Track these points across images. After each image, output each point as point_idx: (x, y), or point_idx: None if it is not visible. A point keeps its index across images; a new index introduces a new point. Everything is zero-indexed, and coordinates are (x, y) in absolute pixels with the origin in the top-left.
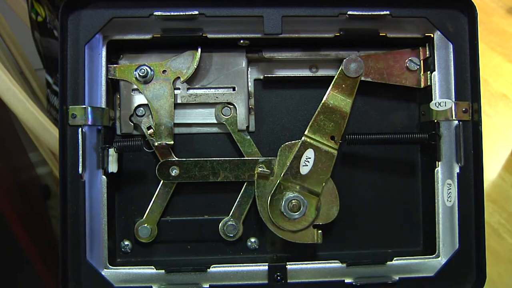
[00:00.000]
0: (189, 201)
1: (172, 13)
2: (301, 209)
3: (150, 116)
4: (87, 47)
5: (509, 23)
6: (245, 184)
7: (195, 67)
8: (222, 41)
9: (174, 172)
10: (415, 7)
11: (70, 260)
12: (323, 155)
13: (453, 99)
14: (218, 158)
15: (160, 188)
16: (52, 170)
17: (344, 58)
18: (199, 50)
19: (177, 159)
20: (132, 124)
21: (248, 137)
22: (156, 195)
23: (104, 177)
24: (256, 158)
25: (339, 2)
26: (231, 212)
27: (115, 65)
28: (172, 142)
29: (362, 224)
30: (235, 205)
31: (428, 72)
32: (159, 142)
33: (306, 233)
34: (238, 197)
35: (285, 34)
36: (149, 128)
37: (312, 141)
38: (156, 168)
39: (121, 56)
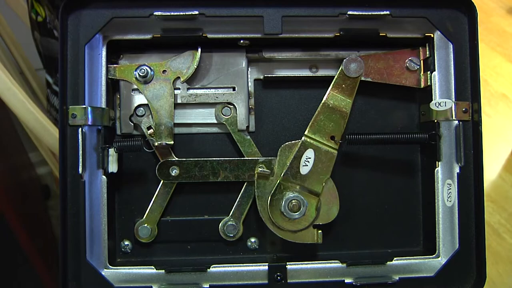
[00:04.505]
0: (189, 201)
1: (172, 13)
2: (301, 209)
3: (150, 116)
4: (87, 47)
5: (509, 23)
6: (245, 184)
7: (195, 67)
8: (222, 41)
9: (174, 172)
10: (415, 7)
11: (70, 260)
12: (323, 155)
13: (453, 99)
14: (218, 158)
15: (160, 188)
16: (52, 170)
17: (344, 58)
18: (199, 50)
19: (177, 159)
20: (132, 124)
21: (248, 137)
22: (156, 195)
23: (104, 177)
24: (256, 158)
25: (339, 2)
26: (231, 212)
27: (115, 65)
28: (172, 142)
29: (362, 224)
30: (235, 205)
31: (428, 72)
32: (159, 142)
33: (306, 233)
34: (238, 197)
35: (285, 34)
36: (149, 128)
37: (312, 141)
38: (156, 168)
39: (121, 56)
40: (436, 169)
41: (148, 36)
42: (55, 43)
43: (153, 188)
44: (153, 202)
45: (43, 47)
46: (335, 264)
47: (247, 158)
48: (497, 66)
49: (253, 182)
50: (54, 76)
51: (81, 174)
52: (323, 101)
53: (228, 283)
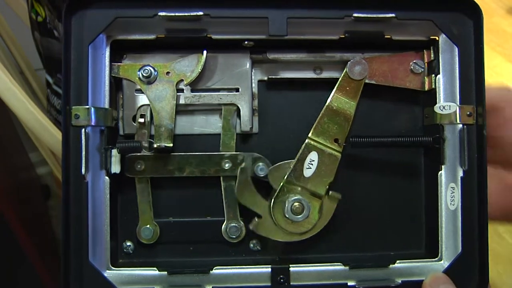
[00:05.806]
0: (192, 202)
1: (176, 14)
2: (304, 211)
3: None
4: (90, 47)
5: (509, 23)
6: (222, 181)
7: (199, 71)
8: (226, 42)
9: (139, 167)
10: (421, 10)
11: (72, 261)
12: (326, 158)
13: (458, 103)
14: (183, 153)
15: (136, 186)
16: (52, 170)
17: (349, 60)
18: (205, 53)
19: (143, 153)
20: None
21: (233, 130)
22: (137, 194)
23: (107, 178)
24: (222, 153)
25: (345, 4)
26: (225, 215)
27: (118, 63)
28: (171, 145)
29: (365, 226)
30: (224, 206)
31: (433, 75)
32: (158, 144)
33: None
34: (223, 198)
35: (290, 35)
36: None
37: (315, 144)
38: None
39: (125, 56)
40: (440, 172)
41: (152, 37)
42: (55, 43)
43: (154, 189)
44: (139, 202)
45: (43, 47)
46: (338, 267)
47: (212, 153)
48: (497, 66)
49: (230, 178)
50: (54, 76)
51: (84, 175)
52: (327, 104)
53: (231, 285)
